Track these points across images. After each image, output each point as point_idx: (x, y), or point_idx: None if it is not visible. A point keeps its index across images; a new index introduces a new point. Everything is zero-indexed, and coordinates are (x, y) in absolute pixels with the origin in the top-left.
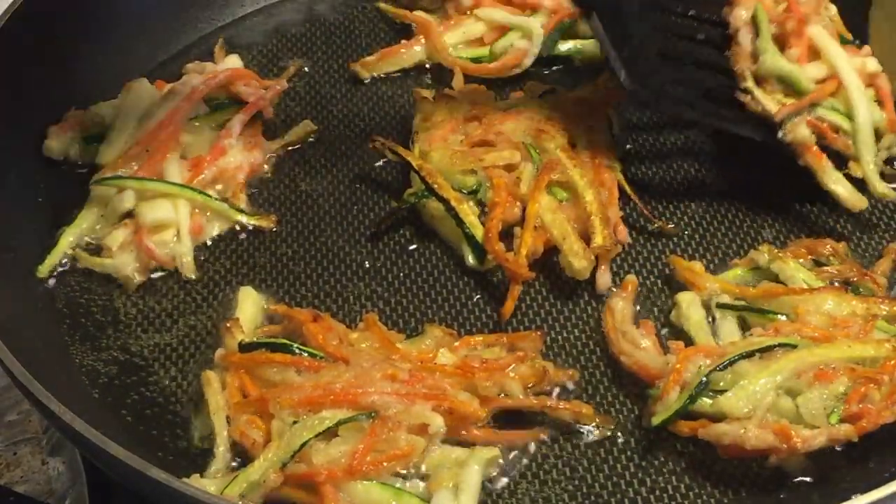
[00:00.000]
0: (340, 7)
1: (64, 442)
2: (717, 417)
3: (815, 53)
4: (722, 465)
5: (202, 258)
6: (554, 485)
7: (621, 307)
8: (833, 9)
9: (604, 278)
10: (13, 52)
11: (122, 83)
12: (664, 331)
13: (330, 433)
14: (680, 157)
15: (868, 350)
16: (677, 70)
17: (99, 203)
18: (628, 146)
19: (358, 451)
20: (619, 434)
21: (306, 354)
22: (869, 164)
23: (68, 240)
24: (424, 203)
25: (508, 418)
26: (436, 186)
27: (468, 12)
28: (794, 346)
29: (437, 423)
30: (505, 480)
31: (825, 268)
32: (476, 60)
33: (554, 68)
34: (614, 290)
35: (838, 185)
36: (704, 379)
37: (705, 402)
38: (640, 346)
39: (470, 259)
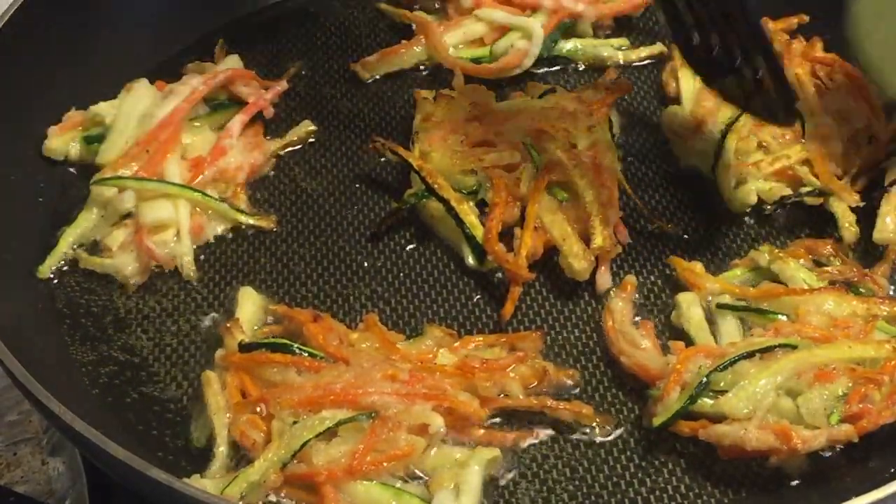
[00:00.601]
0: (340, 7)
1: (64, 442)
2: (718, 418)
3: None
4: (722, 465)
5: (202, 258)
6: (554, 485)
7: (621, 308)
8: None
9: (604, 279)
10: (13, 52)
11: (122, 83)
12: (665, 331)
13: (330, 433)
14: (680, 157)
15: (868, 351)
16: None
17: (99, 203)
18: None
19: (358, 452)
20: (619, 434)
21: (306, 354)
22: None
23: (68, 240)
24: (424, 203)
25: (508, 418)
26: (436, 186)
27: (468, 13)
28: (795, 347)
29: (437, 423)
30: (505, 480)
31: (825, 268)
32: (476, 61)
33: (554, 68)
34: (614, 290)
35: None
36: (705, 379)
37: (706, 403)
38: (639, 347)
39: (470, 259)
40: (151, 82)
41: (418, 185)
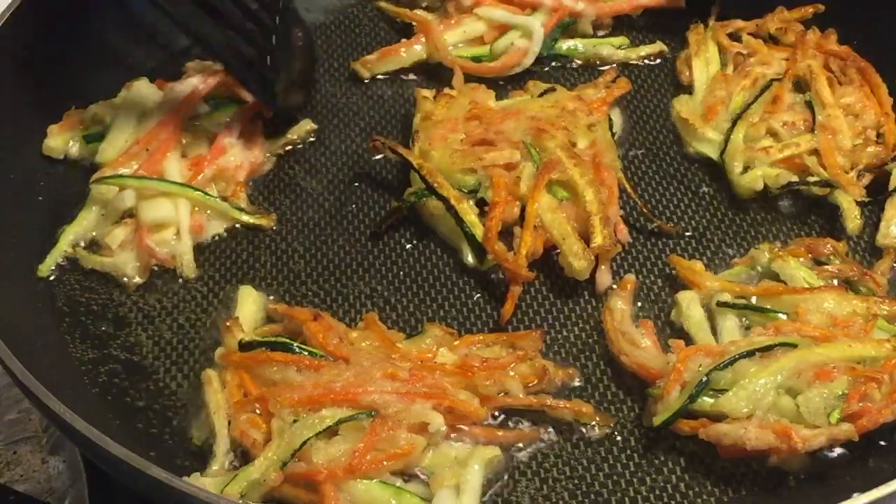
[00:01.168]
0: (340, 7)
1: (64, 441)
2: (718, 417)
3: None
4: (722, 464)
5: (202, 257)
6: (554, 484)
7: (620, 307)
8: None
9: (604, 277)
10: (13, 51)
11: (122, 83)
12: (665, 330)
13: (330, 432)
14: (680, 157)
15: (868, 349)
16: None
17: (99, 202)
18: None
19: (358, 450)
20: (619, 433)
21: (306, 353)
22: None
23: (69, 239)
24: (424, 202)
25: (508, 417)
26: (436, 185)
27: (469, 11)
28: (795, 346)
29: (437, 421)
30: (505, 479)
31: (825, 267)
32: (476, 59)
33: (554, 64)
34: (614, 289)
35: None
36: (705, 378)
37: (706, 402)
38: (639, 346)
39: (469, 258)
40: (151, 82)
41: (418, 184)
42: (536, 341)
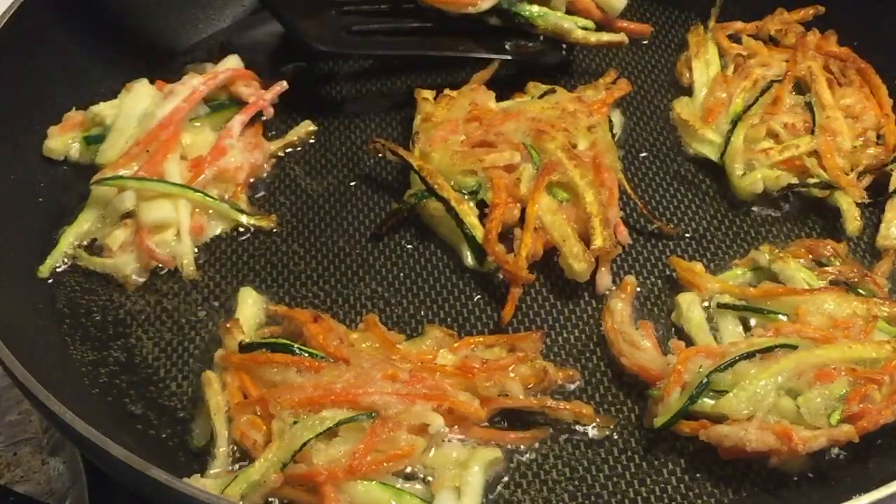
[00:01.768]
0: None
1: (64, 442)
2: (718, 418)
3: None
4: (722, 465)
5: (202, 258)
6: (554, 485)
7: (620, 308)
8: None
9: (604, 279)
10: (13, 52)
11: (122, 83)
12: (665, 332)
13: (330, 433)
14: (680, 158)
15: (868, 351)
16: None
17: (99, 203)
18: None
19: (358, 451)
20: (619, 434)
21: (307, 355)
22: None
23: (69, 240)
24: (424, 203)
25: (509, 418)
26: (436, 187)
27: None
28: (795, 347)
29: (437, 423)
30: (505, 480)
31: (826, 268)
32: None
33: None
34: (614, 290)
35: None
36: (705, 380)
37: (706, 403)
38: (639, 347)
39: (469, 260)
40: (151, 82)
41: (418, 186)
42: (536, 343)
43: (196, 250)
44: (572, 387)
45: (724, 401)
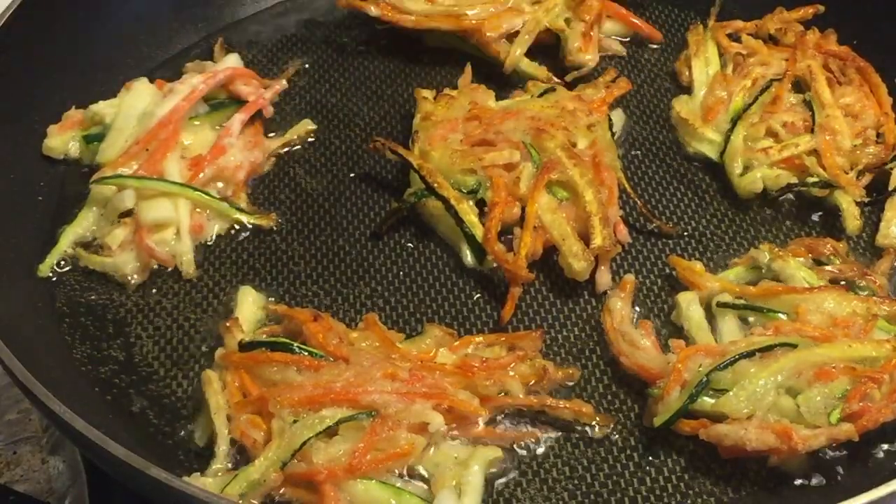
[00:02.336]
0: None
1: (64, 441)
2: (718, 417)
3: None
4: (722, 464)
5: (202, 258)
6: (554, 484)
7: (619, 307)
8: None
9: (603, 278)
10: (13, 52)
11: (122, 82)
12: (664, 331)
13: (330, 432)
14: (680, 157)
15: (868, 350)
16: None
17: (99, 202)
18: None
19: (358, 450)
20: (619, 433)
21: (306, 353)
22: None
23: (69, 239)
24: (424, 202)
25: (508, 417)
26: (435, 186)
27: None
28: (795, 346)
29: (437, 421)
30: (505, 480)
31: (826, 267)
32: None
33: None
34: (613, 289)
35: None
36: (705, 378)
37: (706, 402)
38: (638, 347)
39: (469, 259)
40: (151, 81)
41: (418, 185)
42: (536, 341)
43: (196, 249)
44: (572, 385)
45: (724, 400)
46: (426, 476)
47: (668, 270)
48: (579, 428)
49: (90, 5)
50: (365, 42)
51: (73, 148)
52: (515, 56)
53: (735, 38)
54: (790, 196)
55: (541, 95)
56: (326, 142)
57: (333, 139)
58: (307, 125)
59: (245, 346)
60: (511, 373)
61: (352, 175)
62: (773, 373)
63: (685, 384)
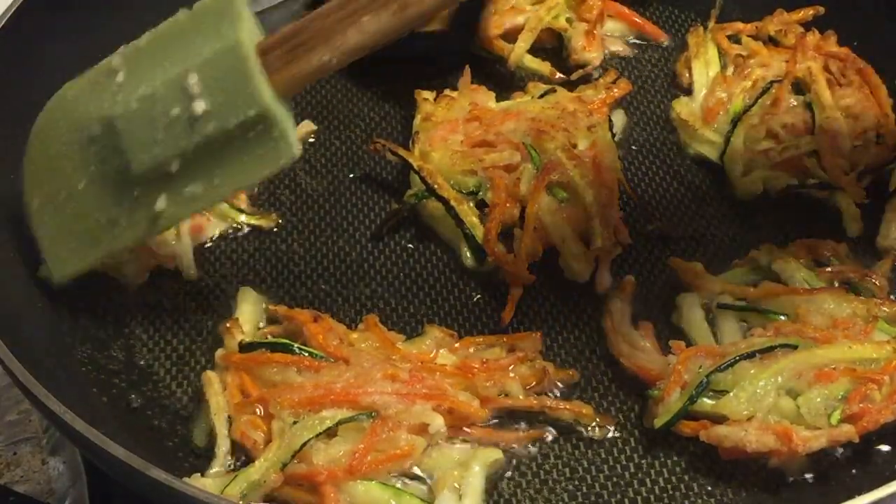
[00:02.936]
0: None
1: (64, 441)
2: (719, 418)
3: None
4: (722, 465)
5: (202, 258)
6: (554, 485)
7: (619, 308)
8: None
9: (604, 279)
10: (13, 51)
11: None
12: (665, 332)
13: (330, 433)
14: (680, 158)
15: (868, 351)
16: None
17: None
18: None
19: (358, 451)
20: (619, 434)
21: (306, 354)
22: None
23: None
24: (424, 203)
25: (509, 418)
26: (436, 187)
27: None
28: (795, 347)
29: (438, 422)
30: (505, 480)
31: (826, 268)
32: None
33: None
34: (613, 290)
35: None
36: (705, 380)
37: (706, 403)
38: (639, 348)
39: (469, 260)
40: None
41: (418, 186)
42: (536, 342)
43: (196, 250)
44: (572, 386)
45: (724, 401)
46: (427, 477)
47: (668, 271)
48: (579, 429)
49: (90, 5)
50: None
51: None
52: (519, 52)
53: (735, 39)
54: (790, 197)
55: (541, 97)
56: (327, 143)
57: (334, 140)
58: (307, 126)
59: (245, 347)
60: (511, 374)
61: (352, 176)
62: (774, 374)
63: (685, 385)
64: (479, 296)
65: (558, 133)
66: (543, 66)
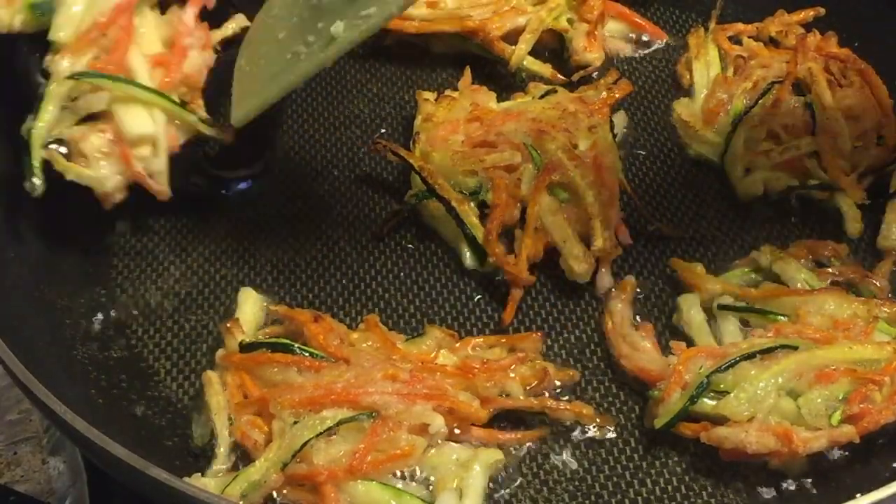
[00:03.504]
0: None
1: (64, 441)
2: (719, 419)
3: None
4: (722, 465)
5: (202, 258)
6: (555, 485)
7: (620, 309)
8: None
9: (604, 280)
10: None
11: None
12: (665, 333)
13: (330, 433)
14: (681, 159)
15: (869, 352)
16: None
17: (61, 98)
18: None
19: (358, 451)
20: (619, 435)
21: (307, 354)
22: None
23: (40, 134)
24: (425, 204)
25: (509, 419)
26: (436, 187)
27: None
28: (796, 348)
29: (438, 423)
30: (506, 481)
31: (826, 269)
32: None
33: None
34: (614, 291)
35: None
36: (706, 380)
37: (707, 404)
38: (639, 349)
39: (469, 261)
40: None
41: (419, 186)
42: (537, 343)
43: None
44: (572, 387)
45: (725, 402)
46: (427, 477)
47: (668, 272)
48: (580, 429)
49: None
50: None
51: (18, 20)
52: (520, 53)
53: (736, 40)
54: (791, 198)
55: (542, 97)
56: (328, 143)
57: (335, 141)
58: (241, 21)
59: (246, 347)
60: (512, 374)
61: (353, 176)
62: (774, 375)
63: (686, 386)
64: (479, 296)
65: (559, 133)
66: (545, 69)
